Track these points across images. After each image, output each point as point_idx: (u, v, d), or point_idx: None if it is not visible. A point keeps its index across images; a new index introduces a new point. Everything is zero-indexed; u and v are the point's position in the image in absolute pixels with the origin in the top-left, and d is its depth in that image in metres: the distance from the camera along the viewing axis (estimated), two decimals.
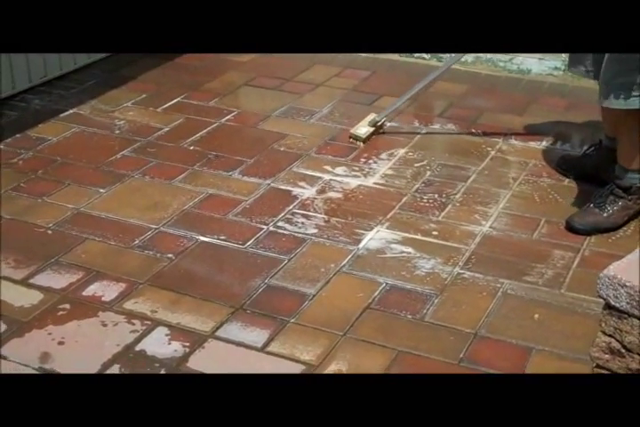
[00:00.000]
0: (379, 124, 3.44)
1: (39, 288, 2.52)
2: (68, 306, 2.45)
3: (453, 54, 3.58)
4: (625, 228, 2.85)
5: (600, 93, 2.72)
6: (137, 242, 2.75)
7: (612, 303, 1.77)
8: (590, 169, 3.06)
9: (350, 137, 3.41)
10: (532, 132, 3.51)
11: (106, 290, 2.52)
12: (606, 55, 2.67)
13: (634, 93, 2.63)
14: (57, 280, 2.55)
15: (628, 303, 1.74)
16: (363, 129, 3.42)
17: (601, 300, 1.79)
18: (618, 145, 2.85)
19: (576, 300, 2.49)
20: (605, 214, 2.82)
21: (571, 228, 2.82)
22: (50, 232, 2.80)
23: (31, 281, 2.55)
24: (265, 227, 2.84)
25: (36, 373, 2.18)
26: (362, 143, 3.38)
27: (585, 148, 3.21)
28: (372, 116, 3.45)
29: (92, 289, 2.52)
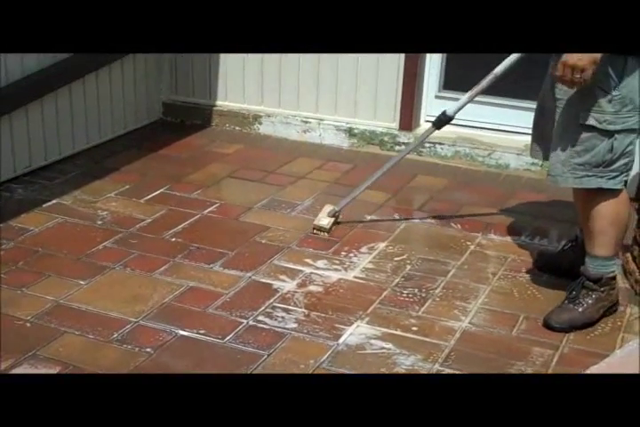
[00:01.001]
0: (337, 213, 3.51)
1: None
2: None
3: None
4: (603, 324, 2.86)
5: (554, 174, 2.76)
6: (116, 335, 2.73)
7: None
8: (566, 265, 3.08)
9: (314, 228, 3.47)
10: (510, 226, 3.57)
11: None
12: (554, 136, 2.75)
13: (588, 173, 2.70)
14: None
15: None
16: (325, 220, 3.48)
17: None
18: (584, 232, 2.87)
19: None
20: (580, 309, 2.83)
21: (548, 326, 2.83)
22: (28, 325, 2.78)
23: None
24: (245, 321, 2.84)
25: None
26: (326, 234, 3.45)
27: (562, 243, 3.24)
28: (330, 207, 3.52)
29: None
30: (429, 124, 4.33)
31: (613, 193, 2.74)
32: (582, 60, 2.47)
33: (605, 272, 2.83)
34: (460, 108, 3.32)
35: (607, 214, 2.75)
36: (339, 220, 3.53)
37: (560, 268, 3.12)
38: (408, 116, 4.30)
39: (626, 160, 2.71)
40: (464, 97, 3.30)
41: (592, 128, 2.65)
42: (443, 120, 3.36)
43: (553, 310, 2.87)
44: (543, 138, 2.89)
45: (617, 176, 2.72)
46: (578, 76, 2.50)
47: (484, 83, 3.19)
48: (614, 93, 2.60)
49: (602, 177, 2.71)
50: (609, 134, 2.65)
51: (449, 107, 3.37)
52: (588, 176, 2.71)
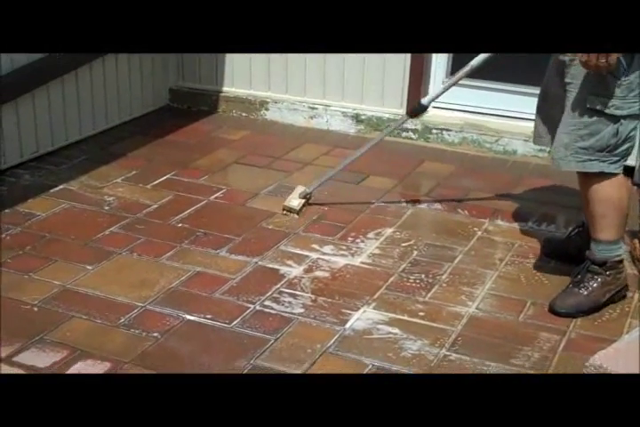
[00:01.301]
0: (308, 195, 3.52)
1: (22, 366, 2.49)
2: None
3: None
4: (610, 310, 2.86)
5: (557, 157, 2.76)
6: (123, 320, 2.74)
7: None
8: (573, 251, 3.07)
9: (284, 209, 3.48)
10: (517, 212, 3.56)
11: (90, 369, 2.49)
12: (562, 121, 2.74)
13: (591, 157, 2.70)
14: (41, 359, 2.53)
15: None
16: (295, 201, 3.49)
17: None
18: (586, 217, 2.88)
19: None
20: (586, 293, 2.83)
21: (553, 311, 2.83)
22: (36, 309, 2.79)
23: (15, 359, 2.53)
24: (252, 306, 2.84)
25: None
26: (296, 215, 3.46)
27: (570, 229, 3.23)
28: (301, 189, 3.53)
29: (77, 368, 2.49)
30: (437, 110, 4.36)
31: (613, 177, 2.74)
32: None
33: (610, 256, 2.83)
34: (434, 99, 3.38)
35: (607, 198, 2.75)
36: (310, 201, 3.54)
37: (567, 254, 3.11)
38: (415, 102, 4.28)
39: (628, 145, 2.72)
40: (439, 87, 3.40)
41: (599, 112, 2.65)
42: (417, 109, 3.41)
43: (558, 296, 2.87)
44: (545, 124, 2.89)
45: (618, 161, 2.73)
46: (603, 60, 2.50)
47: (460, 74, 3.20)
48: (623, 79, 2.61)
49: (604, 161, 2.71)
50: (615, 119, 2.66)
51: (424, 98, 3.41)
52: (591, 160, 2.71)
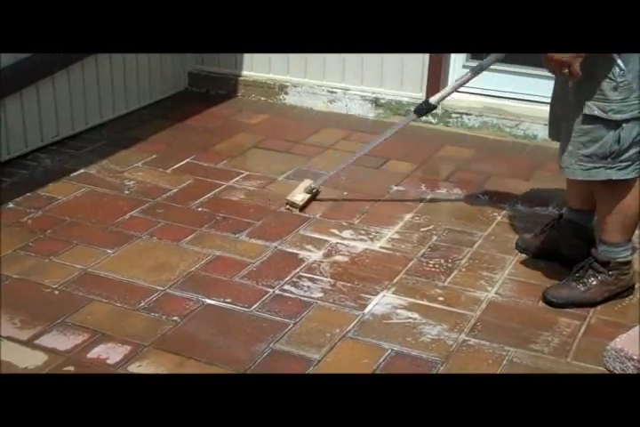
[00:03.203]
0: (314, 190, 3.44)
1: (44, 349, 2.52)
2: (72, 368, 2.44)
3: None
4: (631, 295, 2.84)
5: (563, 166, 2.66)
6: (143, 304, 2.75)
7: None
8: (550, 245, 3.00)
9: (287, 204, 3.39)
10: (537, 197, 3.54)
11: (111, 352, 2.51)
12: (564, 126, 2.65)
13: (596, 165, 2.58)
14: (62, 342, 2.55)
15: None
16: (299, 196, 3.40)
17: (606, 371, 1.78)
18: (597, 217, 2.79)
19: (582, 369, 2.48)
20: (583, 289, 2.76)
21: (544, 300, 2.79)
22: (57, 292, 2.81)
23: (36, 342, 2.55)
24: (271, 290, 2.85)
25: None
26: (298, 210, 3.36)
27: (544, 224, 3.11)
28: (307, 183, 3.45)
29: (97, 351, 2.51)
30: (457, 94, 4.32)
31: (626, 183, 2.63)
32: (566, 55, 2.38)
33: (613, 257, 2.73)
34: (443, 98, 3.27)
35: (620, 204, 2.65)
36: (316, 197, 3.46)
37: (545, 250, 3.02)
38: (435, 86, 4.26)
39: (637, 149, 2.57)
40: (447, 87, 3.31)
41: (596, 118, 2.52)
42: (424, 109, 3.28)
43: (554, 285, 2.82)
44: (555, 120, 2.78)
45: (628, 166, 2.59)
46: (565, 71, 2.42)
47: (470, 74, 3.14)
48: (619, 80, 2.47)
49: (611, 168, 2.58)
50: (615, 124, 2.52)
51: (433, 97, 3.30)
52: (596, 168, 2.59)
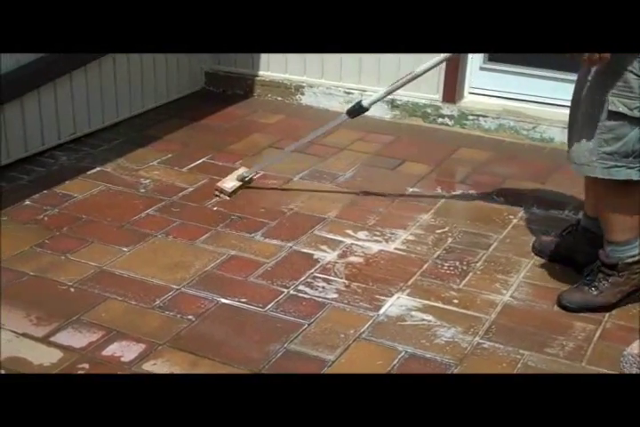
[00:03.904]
0: (247, 179, 3.50)
1: (59, 347, 2.53)
2: (87, 366, 2.45)
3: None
4: None
5: (580, 162, 2.61)
6: (158, 302, 2.76)
7: None
8: (565, 251, 2.99)
9: (216, 190, 3.45)
10: (554, 200, 3.53)
11: (125, 350, 2.52)
12: (580, 122, 2.61)
13: (618, 164, 2.55)
14: (77, 339, 2.56)
15: None
16: (230, 183, 3.47)
17: None
18: (601, 217, 2.74)
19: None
20: (595, 292, 2.73)
21: (559, 304, 2.77)
22: (72, 290, 2.82)
23: (52, 339, 2.56)
24: (286, 290, 2.85)
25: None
26: (228, 197, 3.42)
27: (563, 228, 3.09)
28: (241, 171, 3.51)
29: (112, 349, 2.52)
30: (474, 97, 4.33)
31: (637, 183, 2.57)
32: None
33: (621, 257, 2.69)
34: (374, 102, 3.33)
35: (629, 205, 2.62)
36: (249, 184, 3.52)
37: (560, 254, 3.01)
38: (452, 87, 4.26)
39: None
40: (381, 91, 3.35)
41: (622, 115, 2.47)
42: (357, 110, 3.33)
43: (568, 289, 2.80)
44: (574, 124, 2.69)
45: None
46: (596, 56, 2.35)
47: (403, 80, 3.23)
48: None
49: (632, 168, 2.54)
50: (639, 122, 2.48)
51: (365, 98, 3.39)
52: (618, 167, 2.54)
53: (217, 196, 3.43)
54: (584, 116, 2.59)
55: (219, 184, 3.46)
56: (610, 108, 2.49)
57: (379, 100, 3.37)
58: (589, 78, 2.55)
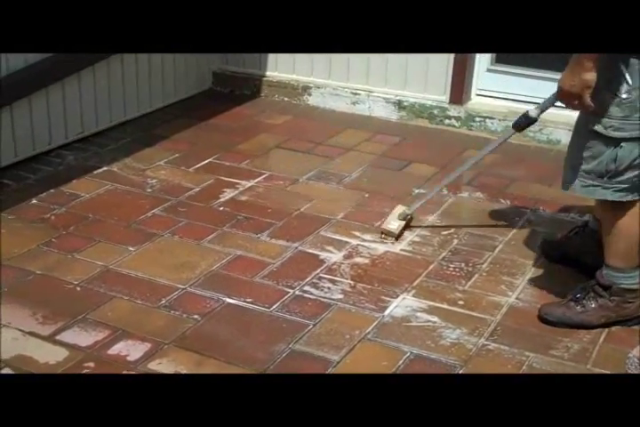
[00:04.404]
0: (409, 217, 3.26)
1: (65, 345, 2.54)
2: (92, 364, 2.46)
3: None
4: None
5: (565, 181, 2.62)
6: (164, 302, 2.77)
7: None
8: (573, 252, 2.96)
9: (382, 233, 3.21)
10: (560, 203, 3.52)
11: (131, 349, 2.53)
12: (570, 140, 2.61)
13: (594, 183, 2.52)
14: (83, 338, 2.57)
15: None
16: (394, 224, 3.21)
17: None
18: (603, 238, 2.66)
19: None
20: (580, 310, 2.66)
21: (538, 316, 2.72)
22: (78, 289, 2.83)
23: (58, 338, 2.57)
24: (291, 291, 2.85)
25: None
26: (395, 239, 3.18)
27: (569, 229, 3.08)
28: (401, 209, 3.26)
29: (118, 348, 2.53)
30: (481, 98, 4.33)
31: (624, 205, 2.52)
32: (574, 86, 2.34)
33: (615, 283, 2.63)
34: (544, 110, 2.96)
35: (620, 226, 2.56)
36: (411, 221, 3.29)
37: (567, 255, 2.99)
38: (459, 89, 4.26)
39: (637, 172, 2.47)
40: (547, 98, 2.88)
41: (597, 134, 2.45)
42: (525, 122, 3.07)
43: (551, 303, 2.76)
44: None
45: (626, 189, 2.48)
46: (576, 102, 2.37)
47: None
48: (624, 96, 2.37)
49: (607, 188, 2.50)
50: (614, 142, 2.43)
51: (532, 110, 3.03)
52: (594, 186, 2.51)
53: (383, 239, 3.17)
54: (573, 134, 2.60)
55: (383, 226, 3.19)
56: (589, 126, 2.47)
57: (547, 109, 2.94)
58: None
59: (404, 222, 3.22)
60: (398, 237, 3.20)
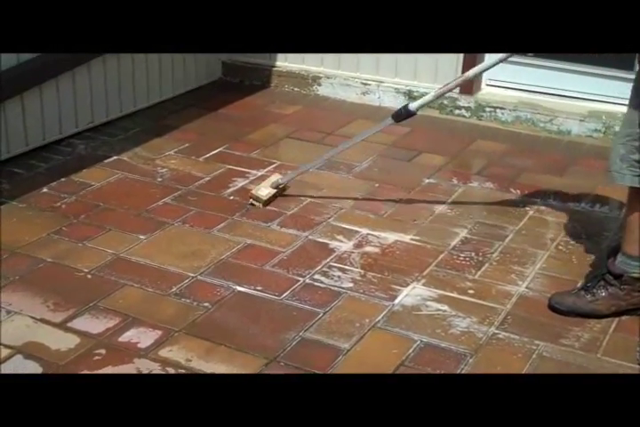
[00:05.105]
0: (281, 186, 3.37)
1: (76, 332, 2.55)
2: (103, 351, 2.47)
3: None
4: None
5: (612, 169, 2.57)
6: (174, 289, 2.77)
7: None
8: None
9: (250, 197, 3.33)
10: (570, 193, 3.52)
11: (142, 337, 2.53)
12: (619, 130, 2.57)
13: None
14: (94, 325, 2.58)
15: None
16: (265, 190, 3.32)
17: (638, 366, 1.77)
18: (624, 224, 2.67)
19: (612, 365, 2.47)
20: (590, 298, 2.65)
21: (549, 305, 2.71)
22: (89, 277, 2.83)
23: (69, 325, 2.58)
24: (301, 279, 2.86)
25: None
26: (262, 205, 3.30)
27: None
28: (275, 177, 3.38)
29: (129, 335, 2.54)
30: (491, 88, 4.32)
31: None
32: None
33: (627, 271, 2.62)
34: (422, 106, 3.16)
35: None
36: (283, 193, 3.39)
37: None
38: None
39: None
40: (429, 94, 3.15)
41: None
42: (402, 115, 3.20)
43: (561, 292, 2.74)
44: None
45: None
46: None
47: (453, 83, 3.08)
48: None
49: None
50: None
51: (412, 103, 3.21)
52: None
53: (251, 204, 3.31)
54: (623, 122, 2.55)
55: (253, 191, 3.33)
56: None
57: (426, 104, 3.19)
58: (633, 84, 2.49)
59: (274, 191, 3.34)
60: (266, 203, 3.30)
